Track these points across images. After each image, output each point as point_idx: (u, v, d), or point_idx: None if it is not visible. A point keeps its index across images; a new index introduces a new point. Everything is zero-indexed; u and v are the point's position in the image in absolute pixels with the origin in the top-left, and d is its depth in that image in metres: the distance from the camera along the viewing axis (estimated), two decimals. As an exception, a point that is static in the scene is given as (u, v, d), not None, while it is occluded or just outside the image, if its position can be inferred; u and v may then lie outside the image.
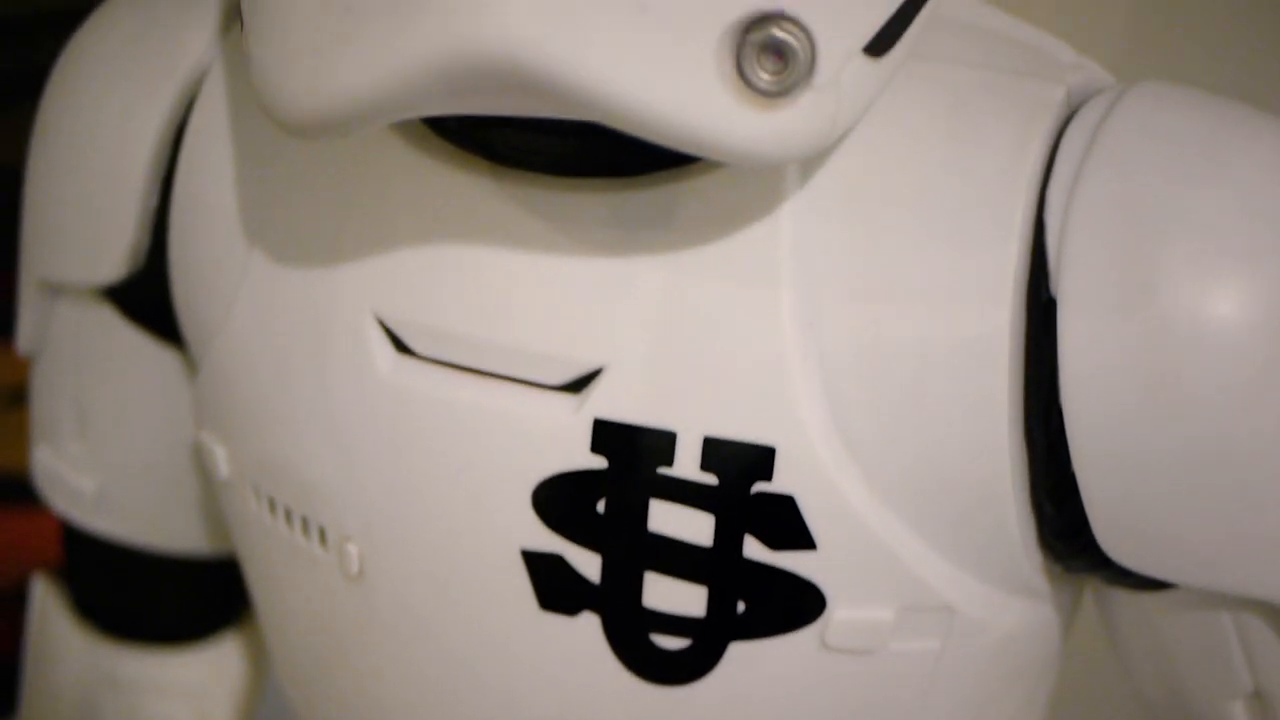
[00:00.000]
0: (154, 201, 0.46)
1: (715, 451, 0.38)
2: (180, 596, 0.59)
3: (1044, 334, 0.37)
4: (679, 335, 0.38)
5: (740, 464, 0.38)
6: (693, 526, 0.39)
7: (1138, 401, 0.36)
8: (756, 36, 0.32)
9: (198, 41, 0.46)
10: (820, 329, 0.38)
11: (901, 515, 0.39)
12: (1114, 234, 0.37)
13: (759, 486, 0.38)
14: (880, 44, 0.34)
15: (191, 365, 0.50)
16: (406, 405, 0.41)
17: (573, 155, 0.38)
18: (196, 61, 0.46)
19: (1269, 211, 0.36)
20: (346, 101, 0.33)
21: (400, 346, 0.41)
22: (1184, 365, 0.36)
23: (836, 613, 0.40)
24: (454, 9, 0.31)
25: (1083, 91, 0.40)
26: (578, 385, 0.39)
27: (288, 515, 0.45)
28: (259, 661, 0.62)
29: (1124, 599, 0.44)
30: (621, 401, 0.39)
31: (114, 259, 0.47)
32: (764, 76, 0.32)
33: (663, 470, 0.39)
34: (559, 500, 0.40)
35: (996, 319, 0.37)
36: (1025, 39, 0.42)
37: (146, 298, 0.48)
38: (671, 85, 0.31)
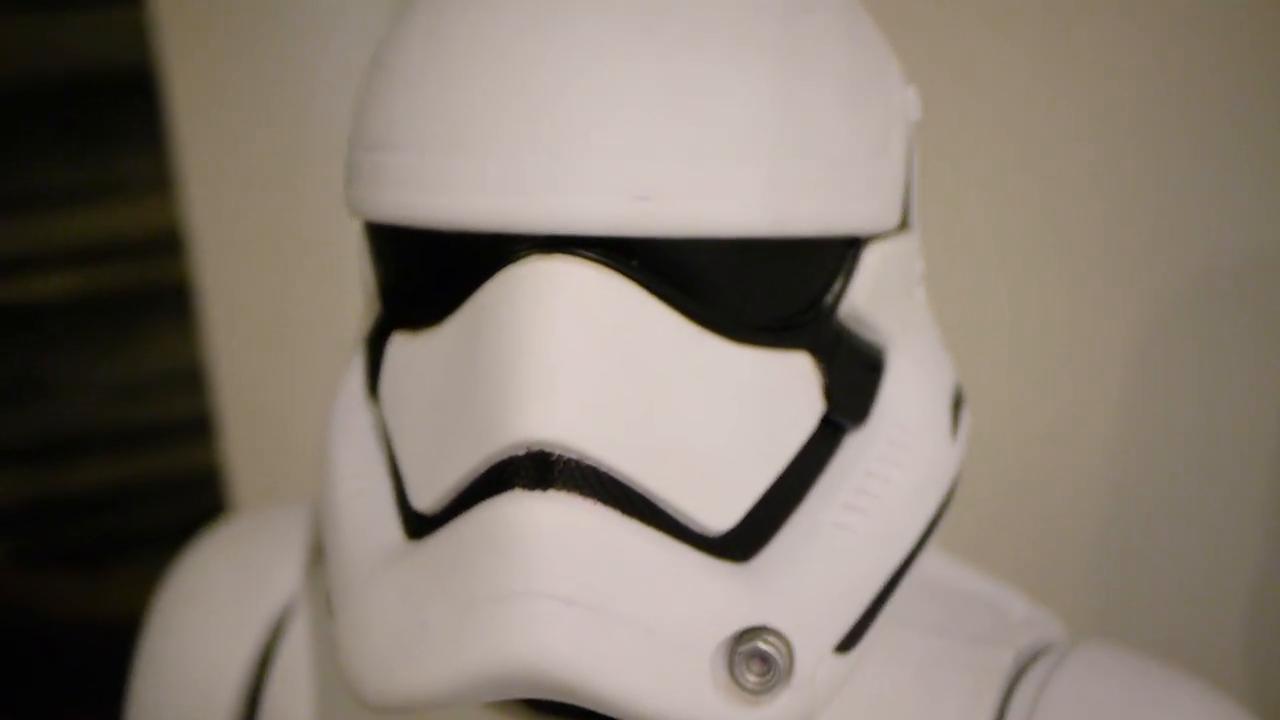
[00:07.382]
0: (241, 716, 0.54)
1: None
2: None
3: None
4: None
5: None
6: None
7: None
8: (745, 648, 0.39)
9: (285, 578, 0.55)
10: None
11: None
12: None
13: None
14: (849, 642, 0.42)
15: None
16: None
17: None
18: (284, 596, 0.55)
19: None
20: (413, 697, 0.41)
21: None
22: None
23: None
24: (500, 634, 0.39)
25: (1030, 650, 0.48)
26: None
27: None
28: None
29: None
30: None
31: None
32: (751, 679, 0.39)
33: None
34: None
35: None
36: (980, 592, 0.50)
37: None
38: (674, 693, 0.39)
